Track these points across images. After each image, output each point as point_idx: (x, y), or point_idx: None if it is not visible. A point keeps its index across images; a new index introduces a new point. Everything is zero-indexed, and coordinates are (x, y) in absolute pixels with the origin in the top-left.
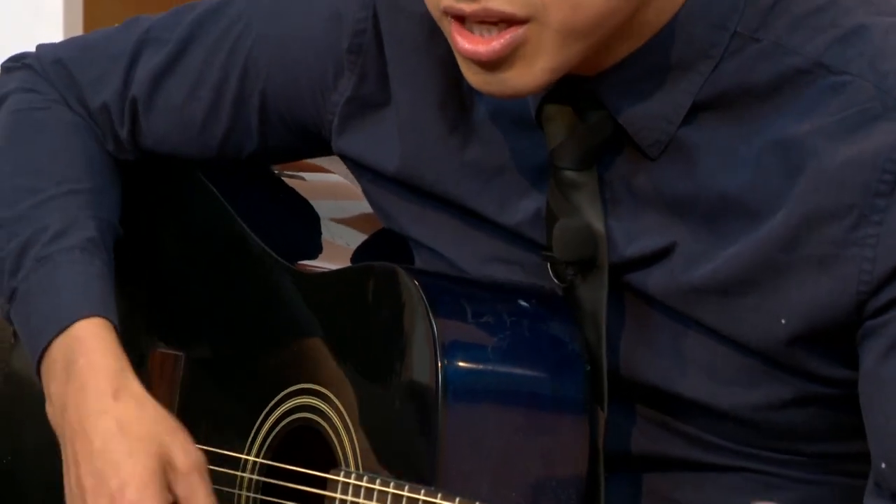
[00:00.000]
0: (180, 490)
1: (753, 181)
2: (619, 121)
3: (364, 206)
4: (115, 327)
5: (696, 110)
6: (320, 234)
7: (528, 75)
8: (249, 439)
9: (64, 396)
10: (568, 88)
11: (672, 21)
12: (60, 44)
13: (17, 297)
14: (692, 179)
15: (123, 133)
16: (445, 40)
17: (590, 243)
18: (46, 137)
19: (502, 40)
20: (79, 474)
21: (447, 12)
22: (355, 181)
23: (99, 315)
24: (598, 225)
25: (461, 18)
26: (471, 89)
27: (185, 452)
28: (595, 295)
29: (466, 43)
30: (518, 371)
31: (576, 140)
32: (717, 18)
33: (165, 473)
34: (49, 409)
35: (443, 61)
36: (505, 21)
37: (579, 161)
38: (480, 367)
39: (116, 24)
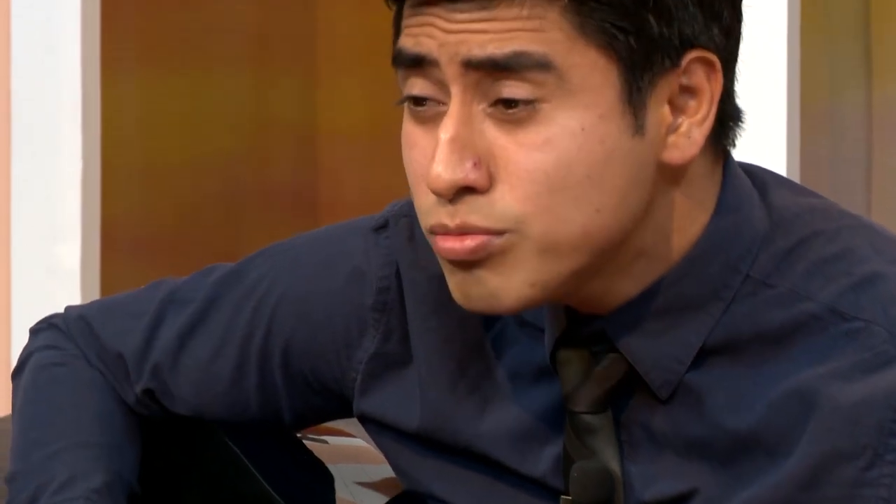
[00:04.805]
0: None
1: (767, 420)
2: (630, 361)
3: (388, 471)
4: None
5: (706, 353)
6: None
7: (507, 283)
8: None
9: None
10: (580, 330)
11: (683, 260)
12: (86, 304)
13: None
14: (704, 422)
15: (138, 388)
16: None
17: (606, 486)
18: (62, 393)
19: (479, 240)
20: None
21: (433, 231)
22: (375, 446)
23: None
24: (615, 468)
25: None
26: (494, 349)
27: None
28: None
29: (446, 243)
30: None
31: (590, 383)
32: (730, 260)
33: None
34: None
35: (463, 322)
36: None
37: (594, 404)
38: None
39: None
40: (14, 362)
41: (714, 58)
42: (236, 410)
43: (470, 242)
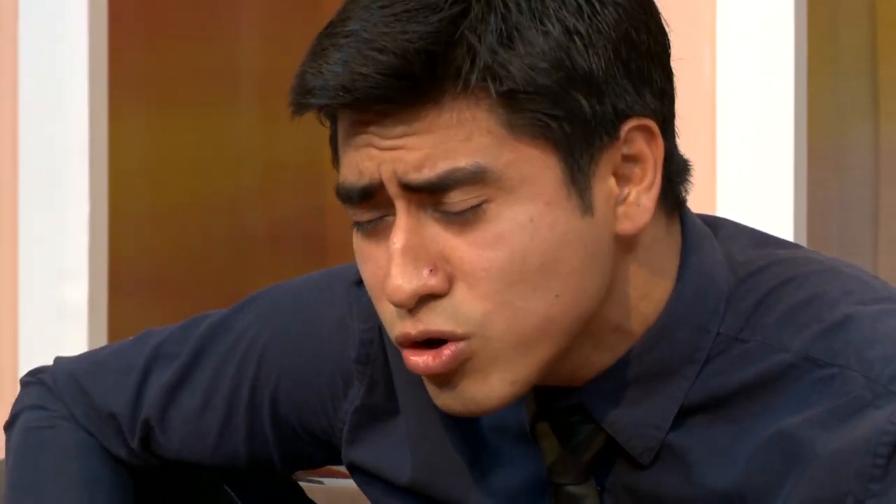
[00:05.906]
0: None
1: (749, 476)
2: (608, 431)
3: None
4: None
5: (685, 414)
6: None
7: (485, 386)
8: None
9: None
10: (556, 402)
11: (653, 328)
12: (75, 358)
13: None
14: (688, 483)
15: (134, 443)
16: None
17: None
18: (48, 457)
19: (448, 351)
20: None
21: (398, 342)
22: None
23: None
24: None
25: (417, 346)
26: None
27: None
28: None
29: (419, 360)
30: None
31: (570, 455)
32: (698, 322)
33: None
34: None
35: None
36: (449, 341)
37: (576, 475)
38: None
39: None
40: None
41: (651, 123)
42: (228, 461)
43: (446, 353)
